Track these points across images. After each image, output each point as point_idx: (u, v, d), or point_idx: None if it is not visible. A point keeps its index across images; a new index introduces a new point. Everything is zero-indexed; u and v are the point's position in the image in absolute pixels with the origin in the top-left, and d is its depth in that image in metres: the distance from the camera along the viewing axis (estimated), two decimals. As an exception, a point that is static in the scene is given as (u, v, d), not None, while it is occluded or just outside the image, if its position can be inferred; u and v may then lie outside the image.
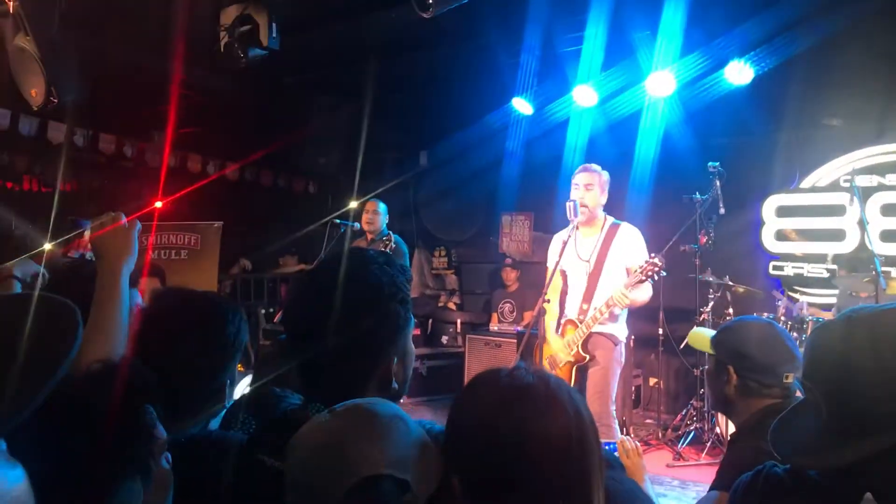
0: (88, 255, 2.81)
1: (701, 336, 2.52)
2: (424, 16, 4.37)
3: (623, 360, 4.64)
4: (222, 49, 5.37)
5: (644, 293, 4.45)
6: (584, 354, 4.47)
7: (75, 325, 0.86)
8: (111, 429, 1.12)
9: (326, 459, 1.11)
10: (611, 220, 4.69)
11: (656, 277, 4.34)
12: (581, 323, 4.48)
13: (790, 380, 2.17)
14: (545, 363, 4.61)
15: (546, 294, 4.51)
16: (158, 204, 6.71)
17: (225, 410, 1.89)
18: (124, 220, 1.84)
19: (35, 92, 5.00)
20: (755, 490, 1.55)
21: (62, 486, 1.01)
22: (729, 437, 2.49)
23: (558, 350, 4.58)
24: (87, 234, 1.85)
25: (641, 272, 4.25)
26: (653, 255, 4.37)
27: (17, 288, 2.09)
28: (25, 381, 0.76)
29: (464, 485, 1.15)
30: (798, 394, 2.18)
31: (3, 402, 0.73)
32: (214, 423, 1.89)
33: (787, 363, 2.19)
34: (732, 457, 2.25)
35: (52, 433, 1.04)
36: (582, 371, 4.52)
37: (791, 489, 1.47)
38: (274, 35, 5.30)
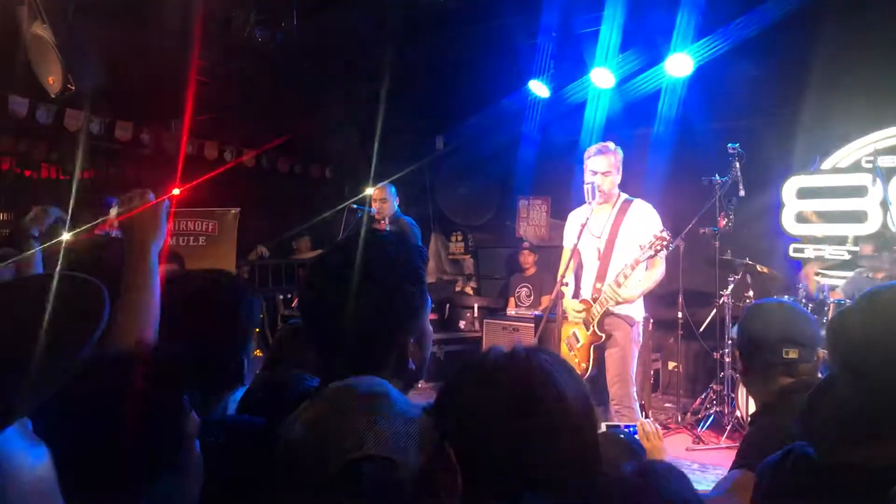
0: (115, 233, 2.78)
1: None
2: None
3: (640, 339, 4.63)
4: (246, 34, 5.37)
5: (652, 278, 4.42)
6: (600, 334, 4.45)
7: (102, 304, 0.86)
8: (143, 412, 1.11)
9: (310, 442, 1.11)
10: (624, 196, 4.64)
11: (665, 252, 4.30)
12: (595, 302, 4.46)
13: (791, 356, 2.11)
14: (563, 346, 4.59)
15: (564, 277, 4.49)
16: (176, 191, 6.73)
17: (243, 393, 1.89)
18: (152, 198, 1.82)
19: (52, 79, 5.01)
20: (785, 470, 1.53)
21: (88, 469, 1.01)
22: (749, 417, 2.46)
23: (576, 332, 4.56)
24: (112, 212, 1.81)
25: (650, 247, 4.21)
26: (662, 229, 4.31)
27: (36, 246, 2.10)
28: (50, 359, 0.76)
29: (458, 452, 1.14)
30: (819, 373, 2.15)
31: (28, 380, 0.73)
32: (232, 407, 1.89)
33: (787, 339, 2.12)
34: (753, 435, 2.22)
35: (81, 414, 1.04)
36: (600, 352, 4.50)
37: (822, 470, 1.44)
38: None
